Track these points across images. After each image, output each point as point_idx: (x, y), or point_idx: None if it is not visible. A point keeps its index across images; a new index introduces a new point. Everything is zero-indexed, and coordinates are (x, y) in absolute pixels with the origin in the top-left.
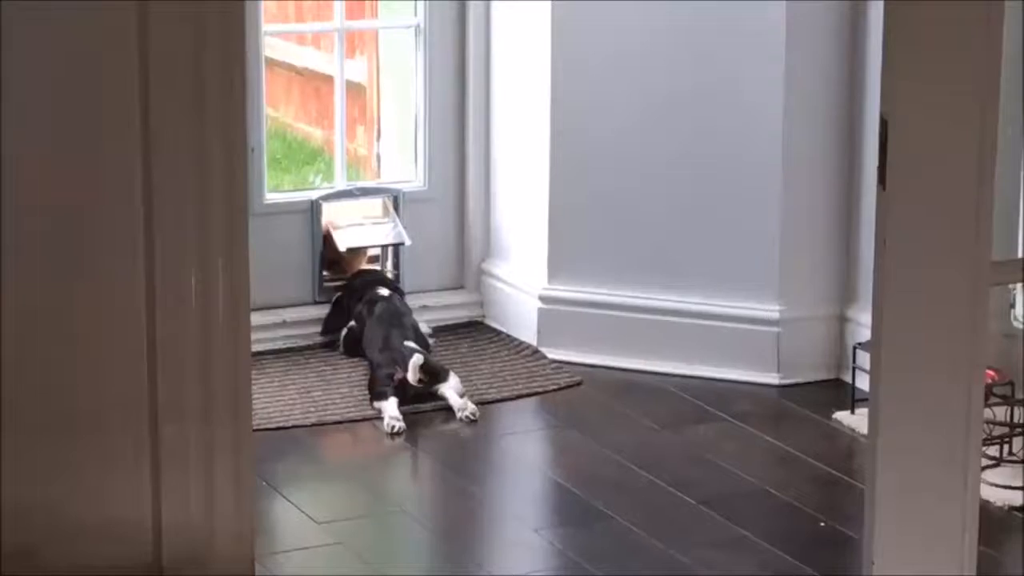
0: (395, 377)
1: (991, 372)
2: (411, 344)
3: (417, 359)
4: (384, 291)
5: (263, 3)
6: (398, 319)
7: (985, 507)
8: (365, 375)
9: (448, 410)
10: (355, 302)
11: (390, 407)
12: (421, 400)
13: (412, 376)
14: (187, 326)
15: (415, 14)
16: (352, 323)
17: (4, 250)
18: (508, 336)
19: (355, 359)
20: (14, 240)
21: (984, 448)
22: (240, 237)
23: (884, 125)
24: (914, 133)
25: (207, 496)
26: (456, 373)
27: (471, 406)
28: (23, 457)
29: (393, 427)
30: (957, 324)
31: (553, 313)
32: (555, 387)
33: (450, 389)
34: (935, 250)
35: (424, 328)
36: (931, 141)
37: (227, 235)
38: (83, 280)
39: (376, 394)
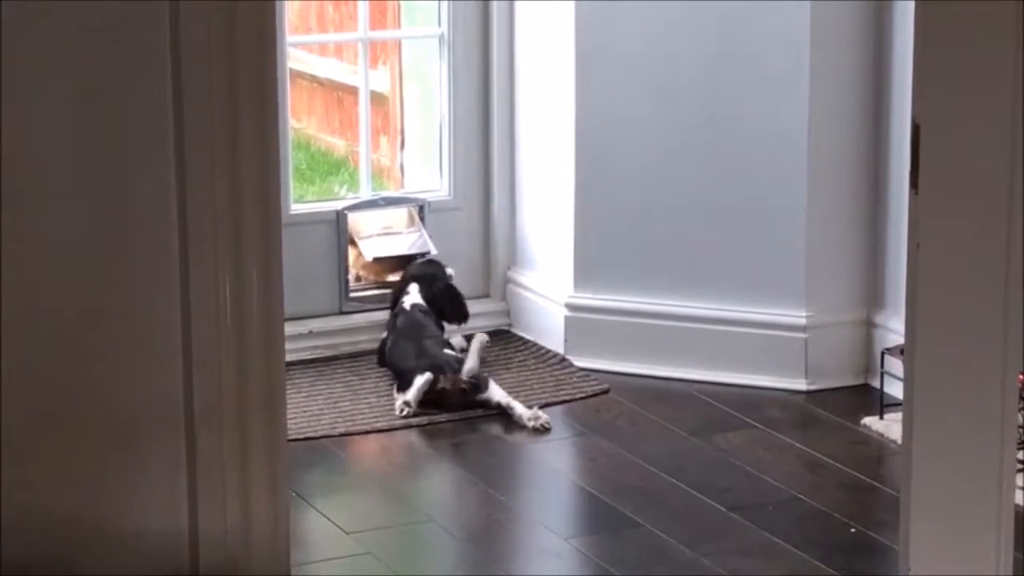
0: (436, 387)
1: (1020, 376)
2: (451, 352)
3: (483, 337)
4: (408, 301)
5: (287, 14)
6: (425, 332)
7: (1016, 511)
8: (392, 384)
9: (481, 418)
10: (396, 296)
11: (412, 391)
12: (469, 408)
13: (476, 352)
14: (221, 335)
15: (439, 23)
16: (385, 334)
17: (39, 260)
18: (535, 344)
19: (384, 370)
20: (49, 250)
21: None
22: (274, 246)
23: (916, 129)
24: (946, 137)
25: (243, 504)
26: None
27: (543, 415)
28: (59, 467)
29: (403, 410)
30: (990, 327)
31: (580, 321)
32: (582, 395)
33: (507, 398)
34: (968, 253)
35: (458, 341)
36: (963, 144)
37: (261, 244)
38: (118, 290)
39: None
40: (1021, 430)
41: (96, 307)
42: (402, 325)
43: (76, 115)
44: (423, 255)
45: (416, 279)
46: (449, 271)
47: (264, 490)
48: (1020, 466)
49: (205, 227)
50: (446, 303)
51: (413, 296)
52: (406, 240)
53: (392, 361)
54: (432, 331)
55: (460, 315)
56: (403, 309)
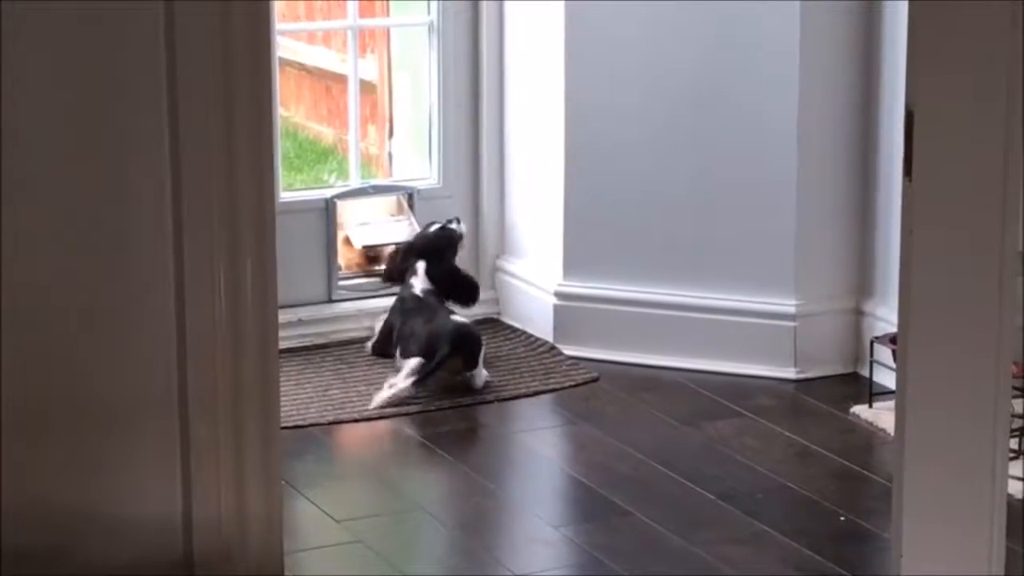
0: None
1: (1014, 365)
2: (456, 318)
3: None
4: (418, 284)
5: (275, 3)
6: (432, 307)
7: (1009, 501)
8: (382, 373)
9: (472, 406)
10: (401, 271)
11: (406, 371)
12: (460, 395)
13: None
14: (216, 324)
15: (428, 12)
16: (387, 318)
17: (35, 250)
18: (524, 333)
19: (373, 358)
20: (45, 240)
21: None
22: (268, 234)
23: (909, 116)
24: (940, 124)
25: (237, 492)
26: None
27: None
28: (54, 454)
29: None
30: (984, 315)
31: (569, 309)
32: (572, 383)
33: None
34: (961, 241)
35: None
36: (957, 132)
37: (255, 232)
38: (114, 279)
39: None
40: (1014, 419)
41: (92, 296)
42: (411, 307)
43: (72, 107)
44: (432, 223)
45: (424, 256)
46: (461, 227)
47: (258, 477)
48: (1012, 455)
49: (200, 217)
50: (451, 286)
51: (422, 279)
52: (396, 228)
53: (404, 345)
54: (439, 309)
55: (466, 298)
56: (412, 292)
